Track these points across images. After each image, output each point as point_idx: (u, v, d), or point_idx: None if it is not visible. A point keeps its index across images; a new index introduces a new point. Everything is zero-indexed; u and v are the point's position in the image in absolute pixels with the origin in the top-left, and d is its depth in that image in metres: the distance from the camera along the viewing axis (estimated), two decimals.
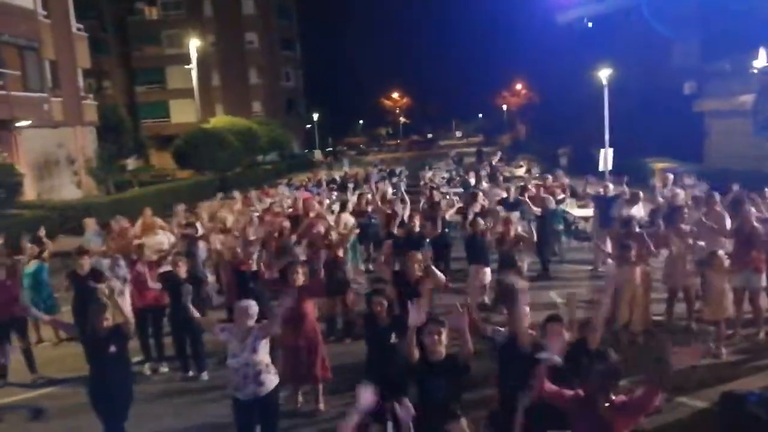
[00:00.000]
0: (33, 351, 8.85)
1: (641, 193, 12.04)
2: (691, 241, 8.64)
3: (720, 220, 9.19)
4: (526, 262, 10.09)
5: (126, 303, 9.60)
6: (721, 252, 7.92)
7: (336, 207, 16.22)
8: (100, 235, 12.29)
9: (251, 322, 5.67)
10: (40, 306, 9.60)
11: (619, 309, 8.14)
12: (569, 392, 4.07)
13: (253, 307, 5.72)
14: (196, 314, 6.54)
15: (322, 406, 7.01)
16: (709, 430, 5.03)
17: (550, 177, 15.98)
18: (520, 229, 13.58)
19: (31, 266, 9.78)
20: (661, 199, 11.57)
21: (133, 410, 6.35)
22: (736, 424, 4.39)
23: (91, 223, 12.70)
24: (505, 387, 5.03)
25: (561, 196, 13.76)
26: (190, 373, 8.24)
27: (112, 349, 5.75)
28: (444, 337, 4.70)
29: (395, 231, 10.58)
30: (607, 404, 3.85)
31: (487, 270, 10.07)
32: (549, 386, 4.10)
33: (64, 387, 8.21)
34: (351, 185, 20.46)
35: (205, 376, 8.17)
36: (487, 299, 10.30)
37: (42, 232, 11.17)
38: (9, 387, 8.38)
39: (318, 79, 68.01)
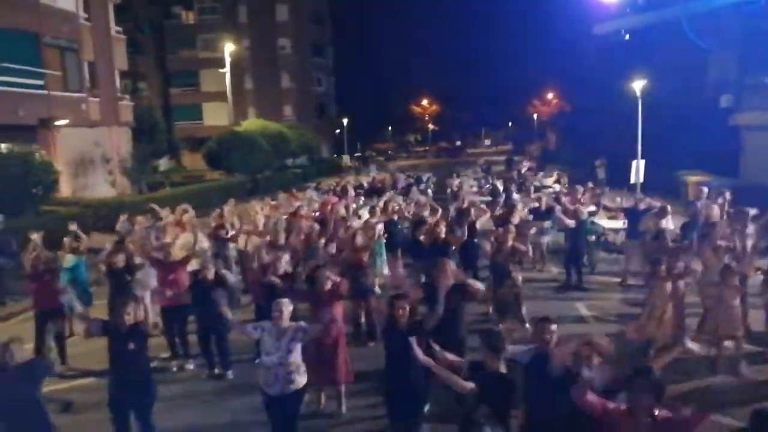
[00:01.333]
0: (65, 343, 9.05)
1: (669, 207, 11.85)
2: (727, 258, 8.46)
3: (746, 237, 8.98)
4: (521, 275, 9.90)
5: (148, 302, 9.87)
6: (735, 265, 7.79)
7: (363, 212, 16.32)
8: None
9: (287, 322, 5.74)
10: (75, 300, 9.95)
11: (648, 324, 8.00)
12: (612, 404, 3.99)
13: (289, 306, 5.80)
14: (229, 315, 6.60)
15: (344, 408, 7.05)
16: None
17: (581, 188, 15.81)
18: (548, 239, 13.58)
19: (70, 261, 10.02)
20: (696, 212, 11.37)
21: (158, 406, 6.46)
22: None
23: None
24: (532, 406, 4.97)
25: (592, 208, 13.60)
26: (216, 371, 8.34)
27: (131, 346, 5.81)
28: None
29: (421, 238, 10.57)
30: (649, 419, 3.77)
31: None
32: (592, 396, 4.03)
33: (94, 380, 8.38)
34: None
35: (230, 374, 8.27)
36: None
37: (74, 226, 11.40)
38: None
39: (349, 84, 68.34)
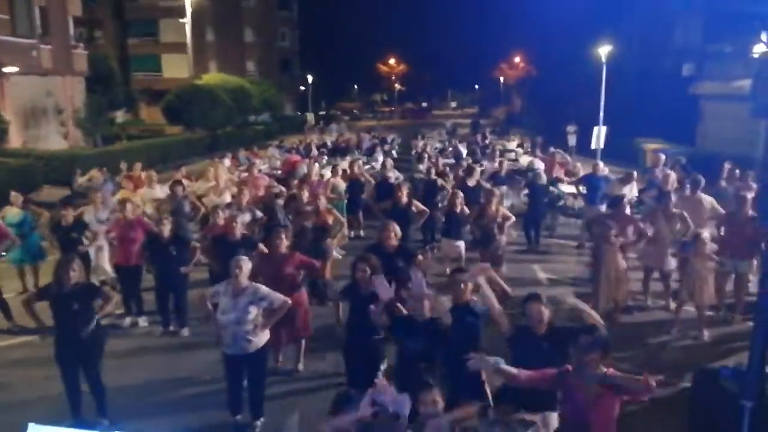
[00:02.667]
0: (8, 300, 8.75)
1: (635, 173, 12.04)
2: (678, 225, 8.64)
3: (703, 206, 9.18)
4: (506, 237, 10.03)
5: (105, 258, 9.63)
6: (705, 235, 7.93)
7: (326, 172, 16.16)
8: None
9: (245, 281, 5.63)
10: (27, 255, 9.63)
11: (600, 288, 8.18)
12: (551, 371, 4.02)
13: (246, 263, 5.68)
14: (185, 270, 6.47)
15: (301, 366, 7.06)
16: (683, 408, 5.09)
17: (559, 153, 15.96)
18: (507, 204, 13.72)
19: (16, 216, 9.65)
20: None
21: (111, 363, 6.36)
22: (707, 399, 4.43)
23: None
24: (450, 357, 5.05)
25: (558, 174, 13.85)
26: (171, 328, 8.24)
27: (75, 306, 5.60)
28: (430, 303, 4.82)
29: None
30: (596, 376, 3.79)
31: (460, 243, 10.15)
32: (524, 373, 4.04)
33: (42, 336, 8.16)
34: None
35: (185, 331, 8.18)
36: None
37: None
38: None
39: (314, 40, 66.83)
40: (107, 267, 9.64)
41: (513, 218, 9.98)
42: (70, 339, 5.70)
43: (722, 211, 9.09)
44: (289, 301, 5.92)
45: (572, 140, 27.35)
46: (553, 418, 4.50)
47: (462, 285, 5.08)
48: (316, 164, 18.08)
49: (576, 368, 3.88)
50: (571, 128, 27.76)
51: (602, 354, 3.79)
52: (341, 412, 3.53)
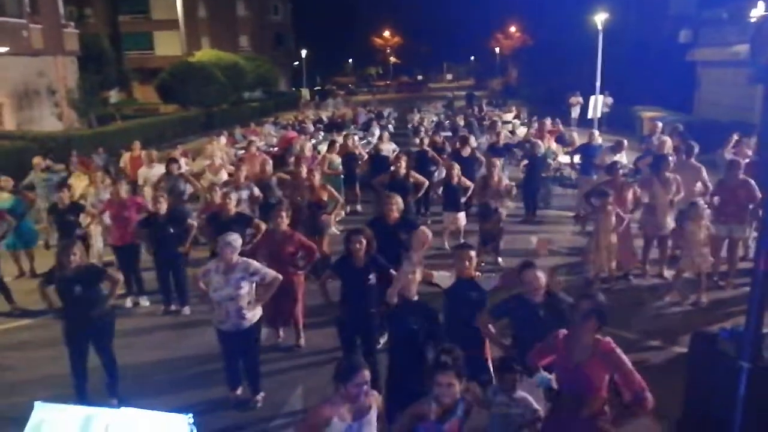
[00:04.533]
0: (8, 283, 8.80)
1: (625, 142, 12.00)
2: (674, 189, 8.64)
3: (697, 172, 9.18)
4: (506, 208, 10.10)
5: (99, 239, 9.68)
6: (701, 203, 7.95)
7: (321, 147, 16.10)
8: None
9: (235, 257, 5.65)
10: (20, 240, 9.65)
11: (596, 255, 8.24)
12: (544, 346, 4.04)
13: (237, 240, 5.70)
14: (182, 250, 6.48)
15: (302, 341, 7.13)
16: (680, 371, 5.16)
17: (549, 121, 15.86)
18: (504, 175, 13.73)
19: (6, 201, 9.60)
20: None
21: (114, 343, 6.40)
22: (704, 361, 4.49)
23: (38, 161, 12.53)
24: (452, 328, 5.10)
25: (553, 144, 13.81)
26: (173, 307, 8.29)
27: (79, 289, 5.63)
28: (418, 276, 4.83)
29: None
30: (592, 342, 3.76)
31: (460, 215, 10.20)
32: (533, 358, 4.12)
33: (43, 318, 8.23)
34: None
35: (187, 310, 8.24)
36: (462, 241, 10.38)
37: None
38: None
39: (307, 13, 65.78)
40: (100, 246, 9.71)
41: (514, 189, 10.03)
42: (77, 321, 5.75)
43: (707, 182, 9.06)
44: (281, 277, 5.92)
45: (575, 111, 26.75)
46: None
47: (467, 261, 5.08)
48: (312, 140, 18.04)
49: (571, 333, 3.89)
50: (574, 99, 26.93)
51: (598, 323, 3.77)
52: (347, 380, 3.54)
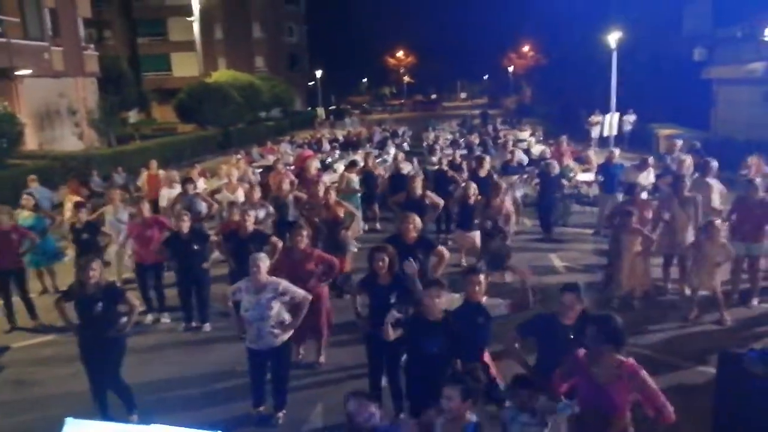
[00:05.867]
0: (33, 299, 8.93)
1: (651, 159, 11.97)
2: (692, 208, 8.60)
3: (707, 190, 9.13)
4: (513, 228, 10.03)
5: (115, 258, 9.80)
6: (718, 222, 7.90)
7: (338, 166, 16.22)
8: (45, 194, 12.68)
9: (264, 277, 5.69)
10: (42, 257, 9.78)
11: (618, 274, 8.20)
12: (567, 368, 4.04)
13: (264, 260, 5.74)
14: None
15: (322, 359, 7.13)
16: (706, 392, 5.09)
17: (565, 139, 15.83)
18: (519, 194, 13.71)
19: (28, 219, 9.77)
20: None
21: (135, 359, 6.46)
22: (732, 383, 4.43)
23: (33, 180, 12.94)
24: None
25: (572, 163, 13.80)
26: (194, 324, 8.35)
27: (97, 308, 5.64)
28: (443, 299, 4.74)
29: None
30: (609, 366, 3.74)
31: (476, 234, 10.13)
32: (559, 385, 4.10)
33: (67, 334, 8.30)
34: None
35: (207, 327, 8.28)
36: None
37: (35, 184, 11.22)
38: (10, 334, 8.51)
39: (322, 35, 66.58)
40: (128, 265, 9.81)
41: (513, 216, 9.92)
42: (91, 339, 5.77)
43: (718, 205, 9.01)
44: (310, 297, 5.96)
45: (595, 131, 25.56)
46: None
47: (476, 286, 5.06)
48: (328, 159, 18.17)
49: (589, 355, 3.87)
50: (593, 118, 25.90)
51: (613, 346, 3.73)
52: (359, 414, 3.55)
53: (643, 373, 3.74)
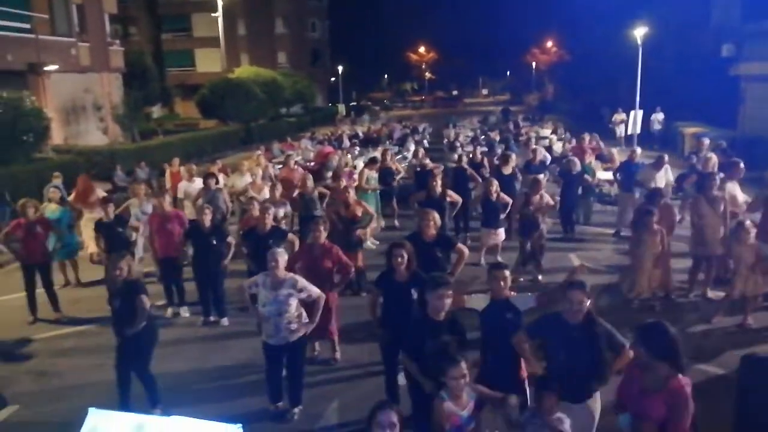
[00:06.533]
0: (56, 292, 9.08)
1: (666, 156, 11.78)
2: (722, 207, 8.42)
3: (732, 190, 8.93)
4: (546, 225, 10.02)
5: (140, 249, 9.92)
6: (748, 223, 7.72)
7: (358, 163, 16.23)
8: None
9: (282, 272, 5.71)
10: (64, 251, 9.95)
11: (639, 275, 8.08)
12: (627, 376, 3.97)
13: (283, 255, 5.76)
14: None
15: (338, 355, 7.15)
16: (729, 395, 4.99)
17: (587, 137, 15.63)
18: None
19: (54, 212, 9.93)
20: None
21: (154, 352, 6.52)
22: (756, 385, 4.34)
23: (57, 176, 13.02)
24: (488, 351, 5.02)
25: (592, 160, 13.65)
26: (212, 318, 8.43)
27: (119, 303, 5.82)
28: (449, 300, 4.71)
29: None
30: (664, 374, 3.60)
31: (499, 231, 10.19)
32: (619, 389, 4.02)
33: (88, 326, 8.47)
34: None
35: (225, 321, 8.36)
36: (500, 259, 10.31)
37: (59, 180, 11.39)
38: (33, 326, 8.67)
39: (344, 30, 66.61)
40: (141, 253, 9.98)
41: (553, 205, 9.94)
42: (119, 334, 5.91)
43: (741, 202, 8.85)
44: (324, 296, 5.97)
45: (620, 130, 24.98)
46: (597, 403, 4.47)
47: (501, 281, 4.99)
48: (348, 155, 18.20)
49: (643, 367, 3.74)
50: (617, 117, 25.21)
51: (668, 364, 3.59)
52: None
53: (687, 397, 3.56)
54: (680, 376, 3.60)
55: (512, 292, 5.20)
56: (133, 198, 10.50)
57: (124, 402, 5.95)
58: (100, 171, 18.83)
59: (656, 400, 3.58)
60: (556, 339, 4.46)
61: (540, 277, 9.46)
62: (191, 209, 10.95)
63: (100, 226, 9.03)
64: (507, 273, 5.08)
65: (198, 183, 11.71)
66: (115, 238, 8.81)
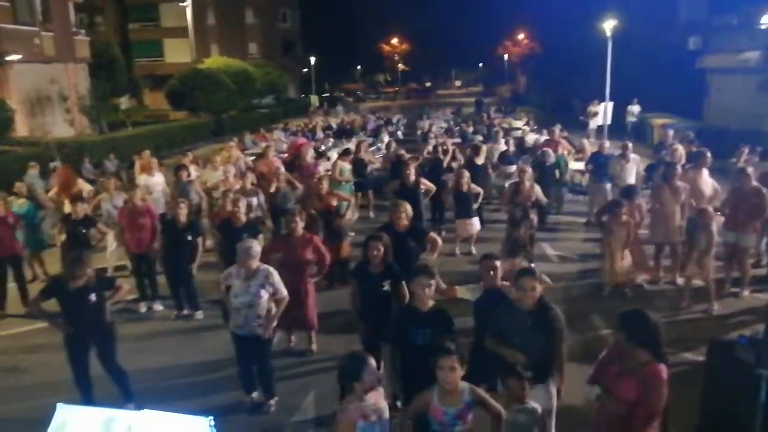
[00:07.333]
0: (27, 286, 8.89)
1: (630, 145, 11.99)
2: (683, 197, 8.63)
3: (698, 179, 9.14)
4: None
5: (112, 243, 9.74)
6: (710, 210, 7.94)
7: (332, 154, 16.18)
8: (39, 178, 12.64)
9: (255, 263, 5.68)
10: (33, 245, 9.74)
11: (608, 264, 8.25)
12: (604, 357, 3.98)
13: (255, 247, 5.73)
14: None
15: (314, 346, 7.14)
16: (697, 380, 5.13)
17: (558, 128, 15.79)
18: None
19: (21, 206, 9.71)
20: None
21: (127, 347, 6.45)
22: (722, 370, 4.46)
23: (32, 166, 12.82)
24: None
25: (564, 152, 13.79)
26: (185, 312, 8.34)
27: (89, 300, 5.59)
28: (433, 289, 4.68)
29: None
30: (642, 360, 3.63)
31: (473, 221, 10.23)
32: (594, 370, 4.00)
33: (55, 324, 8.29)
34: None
35: (199, 314, 8.29)
36: (474, 250, 10.39)
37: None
38: (3, 321, 8.49)
39: (316, 21, 65.95)
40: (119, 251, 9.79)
41: (544, 199, 9.92)
42: (83, 330, 5.73)
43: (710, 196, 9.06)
44: (287, 299, 5.85)
45: (594, 122, 24.52)
46: (553, 386, 4.56)
47: (491, 271, 5.02)
48: (321, 146, 18.12)
49: (623, 352, 3.77)
50: (592, 108, 24.85)
51: (647, 350, 3.63)
52: (358, 377, 3.56)
53: (662, 383, 3.59)
54: (657, 362, 3.63)
55: (504, 282, 5.20)
56: (104, 192, 10.28)
57: (87, 400, 5.81)
58: (68, 163, 18.40)
59: (630, 382, 3.63)
60: (511, 327, 4.52)
61: (533, 265, 9.47)
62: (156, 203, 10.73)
63: (65, 221, 8.81)
64: (497, 263, 5.11)
65: (159, 176, 11.52)
66: (77, 237, 8.53)
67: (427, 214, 11.02)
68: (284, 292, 5.82)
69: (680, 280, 8.74)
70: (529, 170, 9.94)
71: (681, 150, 11.04)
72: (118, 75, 30.79)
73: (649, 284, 8.86)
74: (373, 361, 3.67)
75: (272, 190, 10.54)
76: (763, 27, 20.57)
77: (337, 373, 3.68)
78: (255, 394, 6.03)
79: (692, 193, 8.85)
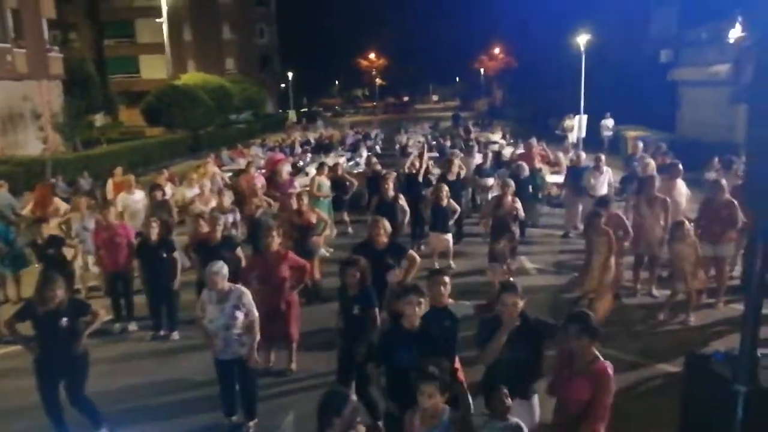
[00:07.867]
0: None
1: (603, 157, 12.14)
2: (661, 209, 8.73)
3: (672, 191, 9.28)
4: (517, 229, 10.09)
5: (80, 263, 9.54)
6: (687, 223, 8.03)
7: (310, 169, 16.12)
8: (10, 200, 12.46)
9: (224, 284, 5.61)
10: (8, 265, 9.52)
11: (586, 275, 8.28)
12: (557, 360, 4.19)
13: (223, 268, 5.65)
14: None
15: (294, 366, 7.06)
16: (674, 392, 5.16)
17: (534, 141, 15.91)
18: (492, 196, 13.76)
19: None
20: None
21: (102, 369, 6.32)
22: (699, 384, 4.48)
23: (1, 185, 12.68)
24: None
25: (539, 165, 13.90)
26: (162, 332, 8.20)
27: (63, 324, 5.42)
28: (423, 307, 4.61)
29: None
30: (589, 358, 3.92)
31: (448, 236, 10.26)
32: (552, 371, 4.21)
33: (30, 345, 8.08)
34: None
35: (176, 335, 8.15)
36: (453, 264, 10.36)
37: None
38: None
39: (293, 36, 66.10)
40: (95, 271, 9.60)
41: (522, 214, 9.95)
42: (53, 356, 5.55)
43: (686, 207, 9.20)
44: (257, 321, 5.74)
45: (572, 136, 24.30)
46: (537, 399, 4.58)
47: (441, 287, 4.97)
48: (300, 162, 18.05)
49: (567, 348, 4.04)
50: (569, 122, 24.96)
51: (590, 340, 3.94)
52: (339, 413, 3.48)
53: (609, 379, 3.87)
54: (602, 359, 3.94)
55: (451, 300, 5.14)
56: (75, 212, 10.07)
57: (60, 427, 5.65)
58: (39, 182, 18.09)
59: (582, 381, 3.90)
60: (490, 339, 4.49)
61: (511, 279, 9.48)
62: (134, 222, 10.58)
63: (35, 247, 8.57)
64: (447, 279, 5.07)
65: (138, 194, 11.38)
66: (49, 259, 8.29)
67: (407, 229, 11.01)
68: (255, 313, 5.72)
69: (656, 292, 8.84)
70: (512, 184, 9.97)
71: (653, 164, 11.20)
72: (92, 92, 30.47)
73: (626, 297, 8.93)
74: (354, 398, 3.59)
75: (252, 207, 10.44)
76: (731, 41, 21.07)
77: (318, 407, 3.61)
78: (235, 417, 5.92)
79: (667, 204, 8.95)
